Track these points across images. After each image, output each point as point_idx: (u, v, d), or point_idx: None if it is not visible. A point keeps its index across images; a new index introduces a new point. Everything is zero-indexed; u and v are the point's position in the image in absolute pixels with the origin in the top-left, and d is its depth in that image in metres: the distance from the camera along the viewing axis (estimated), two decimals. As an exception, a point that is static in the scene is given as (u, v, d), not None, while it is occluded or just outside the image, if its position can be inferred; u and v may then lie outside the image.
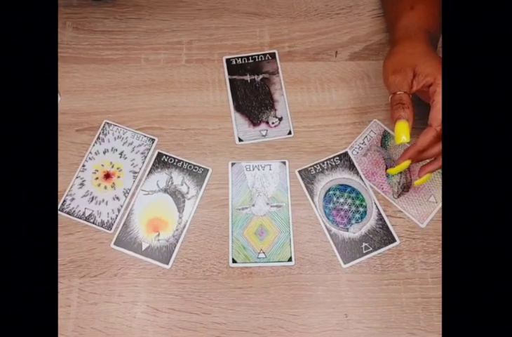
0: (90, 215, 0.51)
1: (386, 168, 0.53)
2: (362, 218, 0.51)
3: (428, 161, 0.48)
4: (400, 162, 0.46)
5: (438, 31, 0.52)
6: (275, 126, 0.55)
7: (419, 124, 0.50)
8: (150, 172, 0.53)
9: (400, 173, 0.52)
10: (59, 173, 0.52)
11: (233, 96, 0.57)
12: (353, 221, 0.51)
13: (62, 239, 0.50)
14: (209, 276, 0.49)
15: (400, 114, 0.45)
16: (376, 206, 0.51)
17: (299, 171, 0.53)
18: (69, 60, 0.58)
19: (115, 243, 0.50)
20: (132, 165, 0.53)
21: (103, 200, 0.52)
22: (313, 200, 0.52)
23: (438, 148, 0.45)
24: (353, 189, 0.52)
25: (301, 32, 0.60)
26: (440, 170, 0.52)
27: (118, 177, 0.52)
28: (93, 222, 0.51)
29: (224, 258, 0.49)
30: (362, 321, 0.47)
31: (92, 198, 0.52)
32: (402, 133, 0.45)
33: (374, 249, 0.50)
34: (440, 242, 0.50)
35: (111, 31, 0.60)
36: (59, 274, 0.48)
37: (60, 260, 0.49)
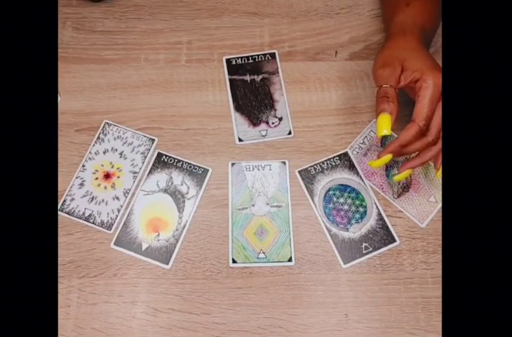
0: (89, 215, 0.51)
1: (386, 169, 0.53)
2: (362, 218, 0.51)
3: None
4: (382, 156, 0.46)
5: (432, 28, 0.53)
6: (275, 126, 0.55)
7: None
8: (150, 172, 0.53)
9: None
10: (59, 173, 0.52)
11: (233, 96, 0.57)
12: (353, 221, 0.51)
13: (61, 239, 0.50)
14: (209, 276, 0.49)
15: (383, 107, 0.45)
16: (377, 206, 0.51)
17: (299, 171, 0.53)
18: (69, 60, 0.58)
19: (115, 244, 0.50)
20: (132, 165, 0.53)
21: (103, 200, 0.51)
22: (313, 200, 0.52)
23: (420, 144, 0.45)
24: (353, 189, 0.52)
25: (301, 32, 0.60)
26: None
27: (118, 177, 0.52)
28: (93, 222, 0.50)
29: (224, 258, 0.49)
30: (362, 321, 0.47)
31: (92, 198, 0.52)
32: (383, 126, 0.45)
33: (374, 249, 0.50)
34: (440, 242, 0.50)
35: (111, 31, 0.60)
36: (58, 275, 0.48)
37: (60, 260, 0.49)
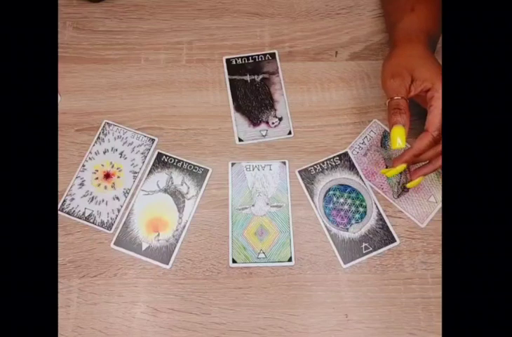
0: (89, 215, 0.51)
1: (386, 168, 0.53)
2: (362, 218, 0.51)
3: (421, 164, 0.49)
4: (396, 165, 0.47)
5: (437, 33, 0.52)
6: (275, 126, 0.55)
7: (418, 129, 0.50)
8: (150, 172, 0.53)
9: (400, 173, 0.52)
10: (59, 173, 0.52)
11: (233, 96, 0.57)
12: (353, 221, 0.51)
13: (61, 239, 0.50)
14: (209, 276, 0.49)
15: (396, 119, 0.45)
16: (376, 206, 0.51)
17: (299, 171, 0.53)
18: (69, 60, 0.58)
19: (115, 244, 0.50)
20: (132, 165, 0.53)
21: (103, 200, 0.52)
22: (313, 200, 0.52)
23: (433, 152, 0.46)
24: (353, 190, 0.52)
25: (301, 32, 0.60)
26: (440, 170, 0.52)
27: (118, 177, 0.52)
28: (93, 222, 0.50)
29: (224, 258, 0.49)
30: (362, 322, 0.47)
31: (92, 198, 0.52)
32: (397, 137, 0.45)
33: (374, 249, 0.50)
34: (440, 242, 0.50)
35: (111, 31, 0.60)
36: (58, 275, 0.48)
37: (60, 260, 0.49)
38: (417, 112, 0.55)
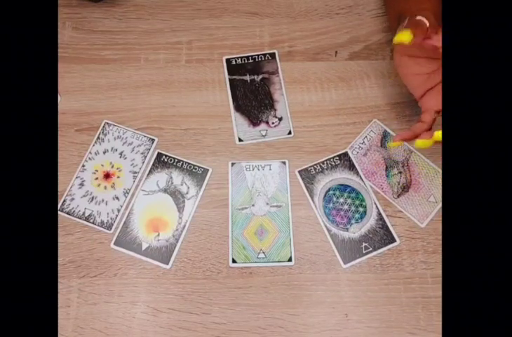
0: (89, 215, 0.51)
1: (386, 169, 0.53)
2: (362, 218, 0.51)
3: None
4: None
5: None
6: (275, 126, 0.55)
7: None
8: (150, 172, 0.53)
9: (400, 172, 0.52)
10: (59, 173, 0.52)
11: (233, 96, 0.57)
12: (352, 221, 0.51)
13: (61, 239, 0.50)
14: (209, 276, 0.49)
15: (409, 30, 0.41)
16: (376, 206, 0.51)
17: (299, 171, 0.53)
18: (68, 60, 0.58)
19: (115, 244, 0.50)
20: (132, 165, 0.53)
21: (103, 200, 0.51)
22: (313, 200, 0.52)
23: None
24: (353, 189, 0.52)
25: (301, 32, 0.60)
26: (440, 170, 0.52)
27: (118, 177, 0.52)
28: (93, 222, 0.50)
29: (224, 258, 0.49)
30: (362, 321, 0.47)
31: (92, 198, 0.52)
32: (404, 36, 0.40)
33: (374, 249, 0.50)
34: (440, 242, 0.50)
35: (110, 31, 0.60)
36: (58, 275, 0.48)
37: (60, 260, 0.49)
38: (417, 112, 0.55)
